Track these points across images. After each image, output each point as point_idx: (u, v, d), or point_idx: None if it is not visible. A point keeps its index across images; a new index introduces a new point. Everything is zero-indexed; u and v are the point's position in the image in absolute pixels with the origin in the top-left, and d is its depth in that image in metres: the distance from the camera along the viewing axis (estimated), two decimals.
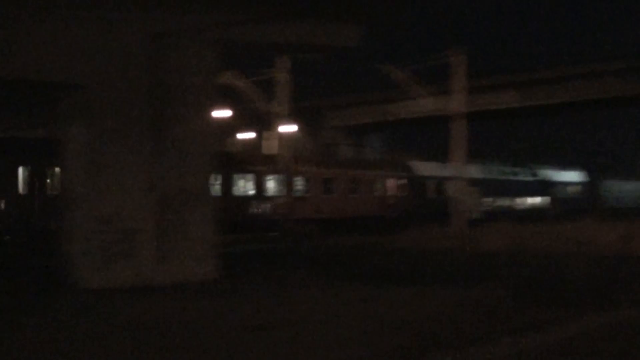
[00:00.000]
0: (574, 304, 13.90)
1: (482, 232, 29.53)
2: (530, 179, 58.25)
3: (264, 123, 45.23)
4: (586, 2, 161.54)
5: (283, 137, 39.28)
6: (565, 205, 57.01)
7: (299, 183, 39.19)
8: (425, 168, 46.90)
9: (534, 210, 55.05)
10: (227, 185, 35.33)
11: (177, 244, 17.75)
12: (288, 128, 39.26)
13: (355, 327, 11.69)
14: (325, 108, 59.57)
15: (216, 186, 33.10)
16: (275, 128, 40.09)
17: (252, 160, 37.70)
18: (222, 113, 36.95)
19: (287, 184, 37.63)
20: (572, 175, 64.35)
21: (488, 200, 51.25)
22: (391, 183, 44.45)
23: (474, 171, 48.61)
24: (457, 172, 40.39)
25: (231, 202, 34.78)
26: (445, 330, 11.44)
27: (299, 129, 43.42)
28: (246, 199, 36.35)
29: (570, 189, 62.42)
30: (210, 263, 18.15)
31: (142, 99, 17.71)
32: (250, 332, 11.31)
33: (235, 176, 36.08)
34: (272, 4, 18.71)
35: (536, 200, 57.52)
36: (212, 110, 19.72)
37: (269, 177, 37.45)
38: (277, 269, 19.94)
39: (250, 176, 36.69)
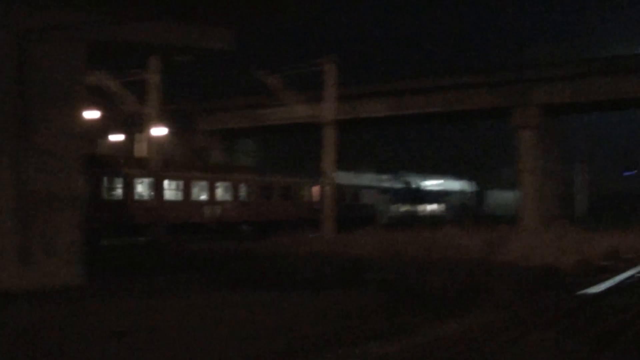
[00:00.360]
0: (439, 308, 14.37)
1: (355, 237, 30.00)
2: (434, 189, 64.43)
3: (135, 125, 44.57)
4: (460, 16, 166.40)
5: (153, 139, 38.78)
6: (458, 212, 61.96)
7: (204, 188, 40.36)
8: (343, 177, 50.69)
9: (432, 216, 59.77)
10: (98, 188, 34.60)
11: (42, 247, 17.35)
12: (159, 131, 38.79)
13: (218, 334, 11.73)
14: (197, 111, 59.17)
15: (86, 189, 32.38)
16: (146, 130, 39.58)
17: (124, 163, 37.05)
18: (92, 114, 36.18)
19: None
20: (463, 185, 70.62)
21: (395, 207, 56.87)
22: (316, 190, 47.62)
23: (381, 181, 55.75)
24: (371, 181, 47.29)
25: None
26: (309, 335, 11.62)
27: (170, 132, 43.02)
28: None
29: (462, 197, 68.60)
30: (77, 268, 17.82)
31: (5, 97, 17.23)
32: (109, 339, 11.18)
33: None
34: (142, 4, 18.53)
35: (434, 207, 63.06)
36: (80, 111, 19.37)
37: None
38: (147, 274, 19.75)
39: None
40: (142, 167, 37.23)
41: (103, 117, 40.12)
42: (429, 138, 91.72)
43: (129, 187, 36.09)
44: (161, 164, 37.57)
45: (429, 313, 13.86)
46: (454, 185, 68.84)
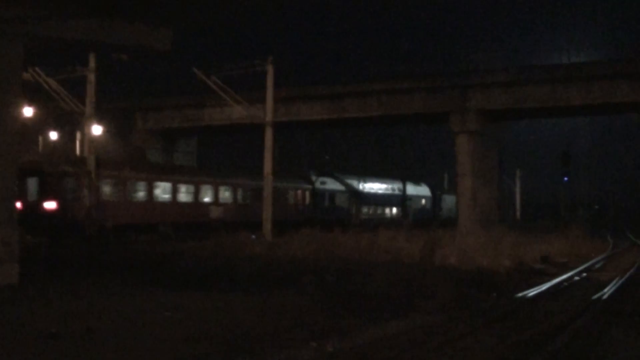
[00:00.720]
0: (376, 311, 14.41)
1: (294, 238, 29.99)
2: (398, 194, 68.90)
3: (73, 123, 43.85)
4: (400, 22, 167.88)
5: (90, 138, 38.12)
6: (418, 215, 67.00)
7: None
8: (322, 181, 56.94)
9: (396, 219, 63.80)
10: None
11: None
12: (97, 129, 38.18)
13: (154, 336, 11.57)
14: (136, 110, 58.50)
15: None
16: (83, 129, 38.95)
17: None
18: (26, 111, 35.45)
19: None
20: (422, 190, 74.49)
21: (366, 210, 62.66)
22: (301, 194, 53.51)
23: (353, 186, 60.80)
24: (345, 186, 55.75)
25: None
26: (248, 336, 11.56)
27: (107, 130, 42.43)
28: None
29: (421, 201, 73.32)
30: (11, 267, 17.42)
31: None
32: (43, 341, 10.93)
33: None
34: (79, 1, 18.19)
35: (397, 211, 68.32)
36: (16, 108, 18.94)
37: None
38: (84, 275, 19.38)
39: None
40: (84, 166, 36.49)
41: (39, 115, 39.43)
42: (374, 142, 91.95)
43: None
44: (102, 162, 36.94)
45: (366, 315, 13.89)
46: (414, 190, 72.49)
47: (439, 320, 13.78)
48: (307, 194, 54.24)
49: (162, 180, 41.44)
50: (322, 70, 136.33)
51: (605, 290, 19.59)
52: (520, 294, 18.39)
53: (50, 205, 34.54)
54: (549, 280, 22.09)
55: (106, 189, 37.89)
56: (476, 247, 27.16)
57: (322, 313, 13.97)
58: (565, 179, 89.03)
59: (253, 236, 34.19)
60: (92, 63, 36.39)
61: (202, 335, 11.56)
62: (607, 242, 43.96)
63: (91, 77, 36.88)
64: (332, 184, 58.40)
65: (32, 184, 34.76)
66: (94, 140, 37.64)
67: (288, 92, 48.93)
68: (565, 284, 21.81)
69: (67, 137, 46.64)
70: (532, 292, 18.89)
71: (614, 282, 21.69)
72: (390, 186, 68.50)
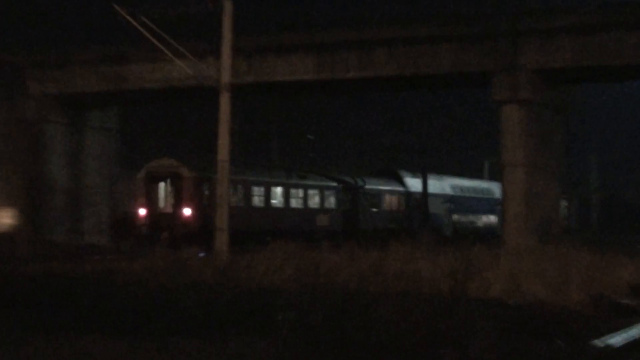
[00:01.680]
0: None
1: (255, 260, 29.82)
2: (486, 197, 75.98)
3: None
4: None
5: None
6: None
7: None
8: (414, 183, 64.97)
9: (488, 227, 70.66)
10: None
11: None
12: None
13: None
14: (29, 66, 58.12)
15: None
16: None
17: None
18: None
19: None
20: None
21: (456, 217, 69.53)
22: (395, 199, 62.41)
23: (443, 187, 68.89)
24: (435, 187, 66.02)
25: None
26: None
27: None
28: None
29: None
30: None
31: None
32: None
33: None
34: None
35: (491, 218, 74.22)
36: None
37: None
38: None
39: None
40: None
41: None
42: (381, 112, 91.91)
43: None
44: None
45: None
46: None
47: None
48: (402, 198, 63.05)
49: (277, 185, 49.65)
50: (306, 10, 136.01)
51: None
52: (598, 343, 18.25)
53: (187, 212, 41.98)
54: None
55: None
56: (531, 271, 27.04)
57: None
58: None
59: (201, 254, 34.21)
60: None
61: None
62: None
63: None
64: (423, 186, 65.43)
65: (165, 189, 42.98)
66: None
67: (255, 42, 48.75)
68: None
69: None
70: (617, 339, 18.75)
71: None
72: (479, 187, 75.93)
